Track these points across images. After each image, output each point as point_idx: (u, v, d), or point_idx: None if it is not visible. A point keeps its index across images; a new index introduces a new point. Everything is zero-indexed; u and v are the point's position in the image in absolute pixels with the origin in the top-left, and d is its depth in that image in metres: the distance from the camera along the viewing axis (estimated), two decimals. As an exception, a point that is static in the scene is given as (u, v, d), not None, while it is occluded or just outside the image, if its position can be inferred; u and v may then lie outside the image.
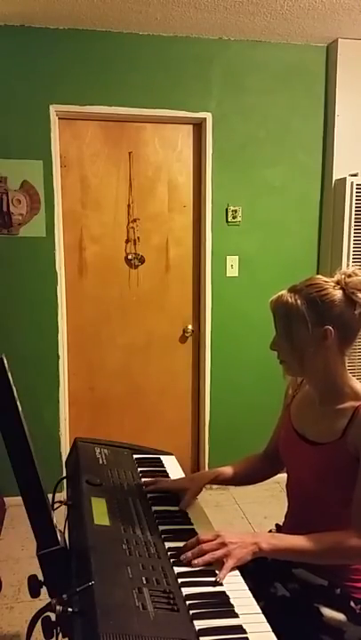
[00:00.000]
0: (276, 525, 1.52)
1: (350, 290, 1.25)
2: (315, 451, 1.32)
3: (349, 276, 1.27)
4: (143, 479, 1.51)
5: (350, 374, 1.35)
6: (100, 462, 1.53)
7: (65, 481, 1.52)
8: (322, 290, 1.27)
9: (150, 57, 3.03)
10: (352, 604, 1.27)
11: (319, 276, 1.32)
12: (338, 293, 1.26)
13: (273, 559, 1.31)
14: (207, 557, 1.11)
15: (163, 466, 1.65)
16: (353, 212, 3.12)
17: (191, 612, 0.96)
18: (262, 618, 0.98)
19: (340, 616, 1.25)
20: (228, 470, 1.56)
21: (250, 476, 1.60)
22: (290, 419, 1.44)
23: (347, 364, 1.34)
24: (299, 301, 1.27)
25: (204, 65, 3.10)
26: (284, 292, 1.31)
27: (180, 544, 1.16)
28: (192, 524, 1.30)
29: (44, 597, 1.04)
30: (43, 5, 2.67)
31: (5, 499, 3.03)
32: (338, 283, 1.28)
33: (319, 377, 1.33)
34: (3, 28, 2.86)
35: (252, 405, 3.28)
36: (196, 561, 1.10)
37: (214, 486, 3.34)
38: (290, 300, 1.28)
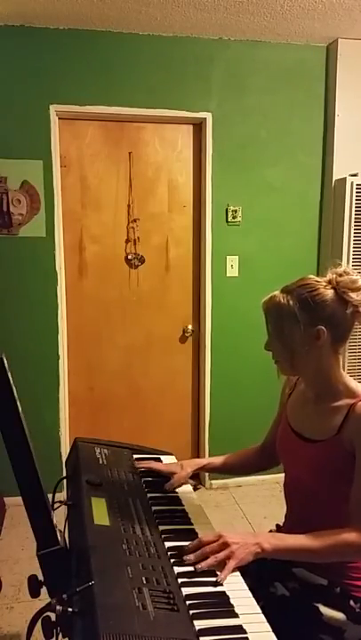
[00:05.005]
0: (277, 525, 1.52)
1: (342, 289, 1.26)
2: (311, 448, 1.33)
3: (340, 275, 1.28)
4: (135, 456, 1.61)
5: (345, 372, 1.35)
6: (100, 462, 1.53)
7: (65, 481, 1.52)
8: (313, 290, 1.27)
9: (150, 57, 3.03)
10: (351, 602, 1.27)
11: (311, 276, 1.32)
12: (329, 293, 1.26)
13: (272, 558, 1.31)
14: (211, 561, 1.11)
15: (163, 466, 1.65)
16: (353, 212, 3.12)
17: (191, 612, 0.96)
18: (262, 618, 0.98)
19: (340, 615, 1.26)
20: (218, 459, 1.61)
21: (240, 465, 1.64)
22: (287, 417, 1.45)
23: (341, 362, 1.35)
24: (291, 302, 1.27)
25: (204, 65, 3.10)
26: (276, 292, 1.32)
27: (180, 544, 1.16)
28: (192, 524, 1.31)
29: (44, 597, 1.04)
30: (43, 5, 2.67)
31: (5, 499, 3.03)
32: (329, 282, 1.28)
33: (313, 375, 1.34)
34: (3, 28, 2.86)
35: (253, 405, 3.28)
36: (199, 565, 1.10)
37: (214, 486, 3.36)
38: (282, 300, 1.29)
